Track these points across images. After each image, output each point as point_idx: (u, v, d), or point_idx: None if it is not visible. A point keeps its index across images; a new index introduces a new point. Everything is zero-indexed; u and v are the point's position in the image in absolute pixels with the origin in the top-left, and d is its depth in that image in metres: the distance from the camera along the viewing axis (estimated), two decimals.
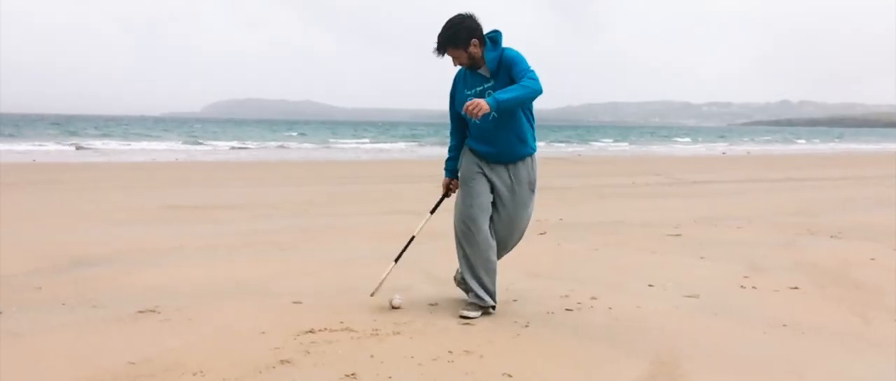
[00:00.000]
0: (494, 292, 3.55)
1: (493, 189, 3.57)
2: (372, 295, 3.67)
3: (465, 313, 3.49)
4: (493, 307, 3.55)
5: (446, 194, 3.79)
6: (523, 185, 3.58)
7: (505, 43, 3.44)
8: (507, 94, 3.22)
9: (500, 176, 3.56)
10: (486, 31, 3.43)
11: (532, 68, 3.36)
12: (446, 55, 3.41)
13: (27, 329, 3.25)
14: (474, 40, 3.36)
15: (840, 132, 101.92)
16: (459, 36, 3.34)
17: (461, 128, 3.68)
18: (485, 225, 3.53)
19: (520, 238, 3.70)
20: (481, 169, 3.56)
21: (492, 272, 3.54)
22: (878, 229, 6.56)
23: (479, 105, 3.13)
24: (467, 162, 3.62)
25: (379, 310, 3.60)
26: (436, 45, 3.39)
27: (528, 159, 3.59)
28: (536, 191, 3.65)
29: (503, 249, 3.69)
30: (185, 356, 2.87)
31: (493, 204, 3.58)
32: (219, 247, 5.53)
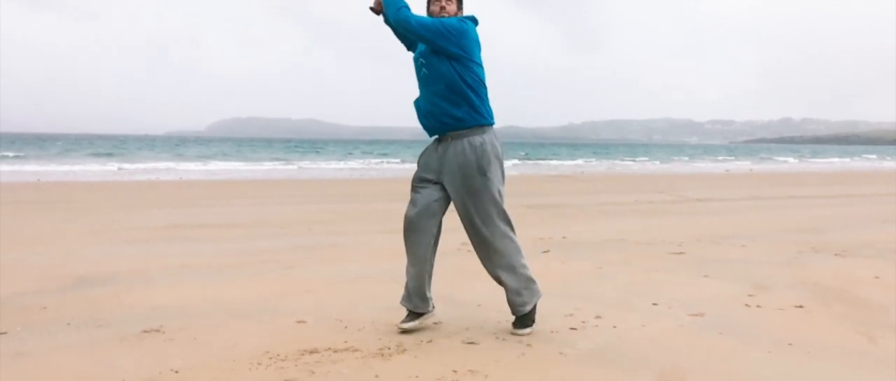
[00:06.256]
0: (411, 298, 3.55)
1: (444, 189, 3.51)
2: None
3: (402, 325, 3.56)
4: (410, 313, 3.57)
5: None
6: (470, 169, 3.38)
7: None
8: (400, 9, 3.37)
9: (441, 167, 3.46)
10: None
11: (442, 22, 3.36)
12: None
13: (33, 349, 3.25)
14: (461, 10, 3.56)
15: (848, 151, 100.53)
16: None
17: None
18: (419, 232, 3.48)
19: (496, 232, 3.44)
20: (428, 176, 3.51)
21: (412, 278, 3.55)
22: (882, 247, 6.55)
23: None
24: (420, 162, 3.60)
25: (384, 329, 3.60)
26: None
27: (475, 139, 3.40)
28: (494, 175, 3.41)
29: (487, 260, 3.52)
30: (189, 377, 2.87)
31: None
32: (223, 266, 5.54)
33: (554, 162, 38.95)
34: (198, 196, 13.16)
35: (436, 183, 3.52)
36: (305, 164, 32.56)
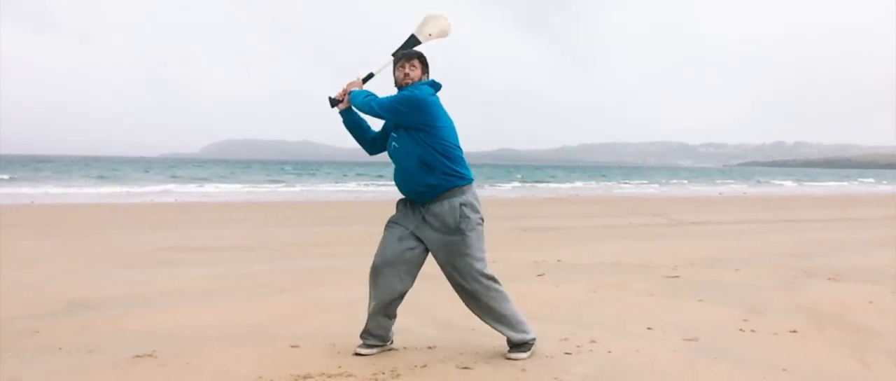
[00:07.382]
0: (372, 332, 3.61)
1: (420, 240, 3.54)
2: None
3: (359, 350, 3.60)
4: (363, 344, 3.62)
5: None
6: (449, 230, 3.43)
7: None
8: (365, 97, 3.52)
9: (421, 223, 3.50)
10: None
11: (396, 98, 3.44)
12: (404, 65, 3.55)
13: (24, 375, 3.23)
14: (427, 74, 3.61)
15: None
16: (426, 61, 3.62)
17: (379, 139, 3.76)
18: (387, 275, 3.55)
19: (479, 288, 3.49)
20: (405, 224, 3.56)
21: (372, 317, 3.60)
22: (876, 271, 6.56)
23: (350, 86, 3.61)
24: (399, 206, 3.65)
25: (378, 354, 3.59)
26: (408, 50, 3.60)
27: (454, 200, 3.43)
28: (471, 233, 3.44)
29: (477, 312, 3.58)
30: None
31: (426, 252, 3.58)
32: (217, 290, 5.52)
33: (552, 185, 38.96)
34: (193, 219, 13.12)
35: (412, 235, 3.54)
36: (301, 186, 32.51)
